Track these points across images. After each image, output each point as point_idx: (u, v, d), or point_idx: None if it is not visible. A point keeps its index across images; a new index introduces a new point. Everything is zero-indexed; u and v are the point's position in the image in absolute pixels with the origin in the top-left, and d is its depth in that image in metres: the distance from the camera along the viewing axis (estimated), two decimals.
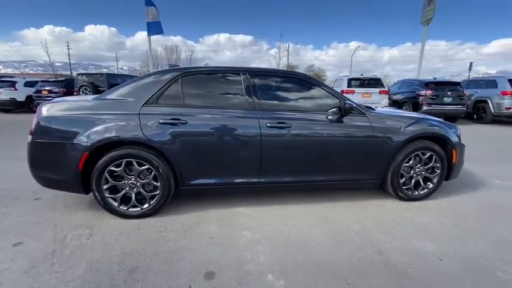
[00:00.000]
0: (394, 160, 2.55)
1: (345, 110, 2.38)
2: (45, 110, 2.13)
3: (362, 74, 9.43)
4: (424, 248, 1.96)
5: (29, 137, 2.15)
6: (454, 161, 2.70)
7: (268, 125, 2.27)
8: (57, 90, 9.83)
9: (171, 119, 2.17)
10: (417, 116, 2.78)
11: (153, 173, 2.20)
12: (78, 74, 9.77)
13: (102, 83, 9.41)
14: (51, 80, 11.14)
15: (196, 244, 1.95)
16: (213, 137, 2.24)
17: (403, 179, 2.64)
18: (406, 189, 2.67)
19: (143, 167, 2.19)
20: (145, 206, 2.27)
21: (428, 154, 2.62)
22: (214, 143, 2.25)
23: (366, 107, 2.62)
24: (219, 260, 1.78)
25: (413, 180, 2.68)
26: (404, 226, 2.27)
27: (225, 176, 2.33)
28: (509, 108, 7.88)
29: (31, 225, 2.17)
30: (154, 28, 13.84)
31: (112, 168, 2.14)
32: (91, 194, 2.28)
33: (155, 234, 2.06)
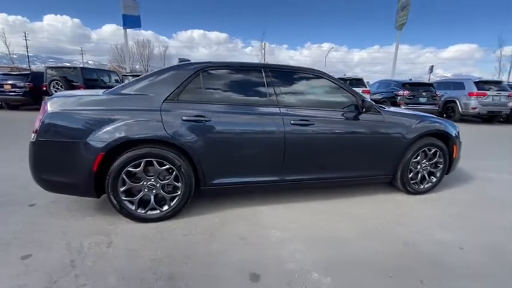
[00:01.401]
0: (404, 156, 2.68)
1: (365, 108, 2.44)
2: (52, 105, 1.91)
3: (345, 74, 9.78)
4: (443, 237, 2.08)
5: (33, 136, 1.91)
6: (454, 156, 2.90)
7: (292, 122, 2.25)
8: (22, 84, 8.88)
9: (195, 116, 2.06)
10: (421, 114, 2.94)
11: (174, 173, 2.08)
12: (48, 68, 8.89)
13: (76, 78, 8.68)
14: (14, 73, 10.05)
15: (228, 246, 1.88)
16: (236, 134, 2.16)
17: (411, 173, 2.78)
18: (413, 183, 2.81)
19: (164, 167, 2.05)
20: (165, 208, 2.14)
21: (434, 150, 2.79)
22: (238, 141, 2.17)
23: (378, 105, 2.71)
24: (256, 260, 1.73)
25: (419, 175, 2.84)
26: (418, 218, 2.39)
27: (248, 175, 2.27)
28: (475, 108, 8.67)
29: (35, 234, 1.94)
30: (130, 21, 13.14)
31: (130, 168, 1.98)
32: (94, 198, 2.09)
33: (181, 238, 1.95)
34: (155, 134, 1.96)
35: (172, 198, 2.14)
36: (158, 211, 2.12)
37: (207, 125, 2.08)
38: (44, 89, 8.50)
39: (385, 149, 2.58)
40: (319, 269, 1.66)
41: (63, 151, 1.90)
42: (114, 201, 2.01)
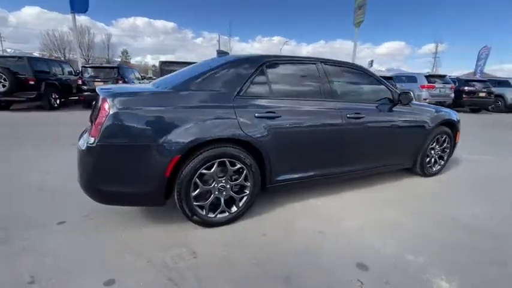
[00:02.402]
0: (425, 143, 3.00)
1: (401, 101, 2.64)
2: (115, 104, 1.61)
3: None
4: (475, 212, 2.39)
5: (91, 140, 1.60)
6: (456, 140, 3.35)
7: (348, 116, 2.33)
8: None
9: (266, 112, 1.98)
10: (434, 106, 3.30)
11: (244, 172, 1.98)
12: None
13: (23, 69, 7.26)
14: None
15: (313, 241, 1.88)
16: (303, 129, 2.15)
17: (428, 158, 3.14)
18: (428, 166, 3.18)
19: (235, 167, 1.94)
20: (234, 209, 2.03)
21: (444, 137, 3.18)
22: (303, 136, 2.17)
23: None
24: (353, 251, 1.78)
25: (432, 159, 3.21)
26: (444, 197, 2.72)
27: (311, 169, 2.29)
28: (426, 99, 9.97)
29: (97, 255, 1.65)
30: (78, 4, 11.55)
31: (203, 171, 1.82)
32: (159, 206, 1.89)
33: (263, 238, 1.89)
34: (233, 132, 1.83)
35: (240, 199, 2.04)
36: (227, 213, 2.01)
37: (277, 121, 2.02)
38: None
39: (415, 137, 2.86)
40: (407, 251, 1.79)
41: (130, 156, 1.64)
42: (186, 208, 1.83)
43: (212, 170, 1.86)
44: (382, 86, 2.71)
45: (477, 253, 1.81)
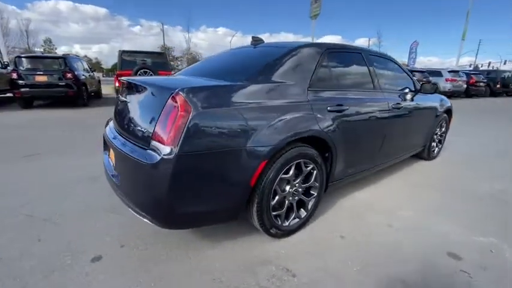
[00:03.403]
0: (433, 129, 3.23)
1: (422, 90, 2.75)
2: (196, 101, 1.25)
3: None
4: (492, 188, 2.66)
5: (166, 149, 1.22)
6: (449, 124, 3.71)
7: (392, 106, 2.32)
8: None
9: (336, 106, 1.82)
10: (437, 94, 3.55)
11: (315, 172, 1.80)
12: None
13: None
14: None
15: (392, 236, 1.84)
16: (364, 121, 2.07)
17: (433, 143, 3.40)
18: (432, 151, 3.45)
19: (308, 168, 1.75)
20: (303, 214, 1.85)
21: (444, 123, 3.48)
22: (364, 128, 2.10)
23: None
24: (433, 241, 1.79)
25: (435, 144, 3.49)
26: (457, 177, 2.97)
27: (364, 162, 2.23)
28: None
29: None
30: None
31: (283, 175, 1.59)
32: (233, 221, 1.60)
33: (344, 242, 1.76)
34: (313, 129, 1.63)
35: (308, 202, 1.87)
36: (297, 219, 1.82)
37: (345, 114, 1.88)
38: None
39: (431, 124, 3.06)
40: (476, 233, 1.88)
41: (217, 165, 1.31)
42: (266, 220, 1.58)
43: (290, 173, 1.64)
44: (406, 75, 2.79)
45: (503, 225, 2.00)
